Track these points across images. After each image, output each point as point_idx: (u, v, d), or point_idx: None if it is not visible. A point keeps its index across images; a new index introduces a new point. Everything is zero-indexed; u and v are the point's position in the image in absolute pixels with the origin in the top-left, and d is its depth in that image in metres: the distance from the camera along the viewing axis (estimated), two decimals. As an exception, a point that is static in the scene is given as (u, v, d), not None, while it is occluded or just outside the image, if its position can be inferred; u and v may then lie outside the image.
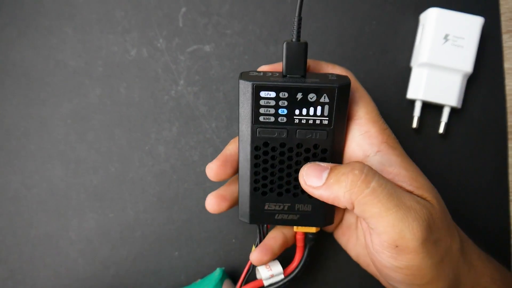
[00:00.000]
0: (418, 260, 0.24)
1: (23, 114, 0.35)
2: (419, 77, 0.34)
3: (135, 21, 0.36)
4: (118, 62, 0.36)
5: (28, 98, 0.35)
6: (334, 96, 0.25)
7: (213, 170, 0.28)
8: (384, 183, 0.24)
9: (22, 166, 0.35)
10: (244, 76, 0.26)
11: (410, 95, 0.35)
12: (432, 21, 0.33)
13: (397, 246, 0.24)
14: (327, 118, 0.26)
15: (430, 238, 0.24)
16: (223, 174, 0.28)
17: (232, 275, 0.35)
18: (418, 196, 0.26)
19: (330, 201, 0.25)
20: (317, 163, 0.26)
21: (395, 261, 0.25)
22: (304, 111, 0.26)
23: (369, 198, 0.24)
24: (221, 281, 0.32)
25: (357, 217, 0.30)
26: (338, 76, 0.27)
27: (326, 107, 0.25)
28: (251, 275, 0.31)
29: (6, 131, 0.35)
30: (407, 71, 0.35)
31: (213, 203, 0.28)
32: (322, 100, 0.25)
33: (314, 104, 0.25)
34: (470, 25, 0.33)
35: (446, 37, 0.33)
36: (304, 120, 0.26)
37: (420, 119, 0.35)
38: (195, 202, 0.35)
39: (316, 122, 0.26)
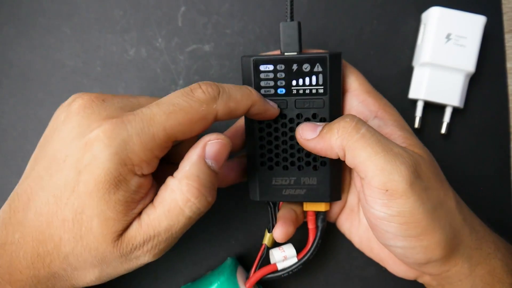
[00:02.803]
0: (409, 204, 0.24)
1: (21, 114, 0.35)
2: (421, 77, 0.34)
3: (134, 21, 0.35)
4: (117, 61, 0.35)
5: (26, 98, 0.35)
6: (327, 65, 0.27)
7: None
8: (374, 131, 0.25)
9: (20, 167, 0.35)
10: (245, 56, 0.29)
11: (412, 95, 0.34)
12: (434, 20, 0.33)
13: (387, 190, 0.24)
14: (322, 87, 0.28)
15: (419, 183, 0.25)
16: (233, 145, 0.28)
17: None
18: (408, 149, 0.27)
19: (323, 152, 0.26)
20: (313, 122, 0.28)
21: (388, 208, 0.25)
22: (301, 81, 0.28)
23: (359, 142, 0.25)
24: (235, 268, 0.32)
25: (359, 197, 0.30)
26: (332, 51, 0.29)
27: (320, 76, 0.28)
28: (264, 261, 0.31)
29: (3, 131, 0.35)
30: (409, 70, 0.35)
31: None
32: (316, 69, 0.27)
33: (309, 74, 0.28)
34: (472, 24, 0.32)
35: (448, 37, 0.33)
36: (302, 90, 0.28)
37: (422, 119, 0.35)
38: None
39: (313, 92, 0.28)
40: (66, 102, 0.26)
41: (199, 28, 0.35)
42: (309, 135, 0.27)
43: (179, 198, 0.24)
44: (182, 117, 0.24)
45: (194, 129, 0.24)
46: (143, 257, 0.25)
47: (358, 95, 0.29)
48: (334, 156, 0.26)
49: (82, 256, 0.24)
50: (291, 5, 0.28)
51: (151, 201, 0.25)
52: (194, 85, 0.25)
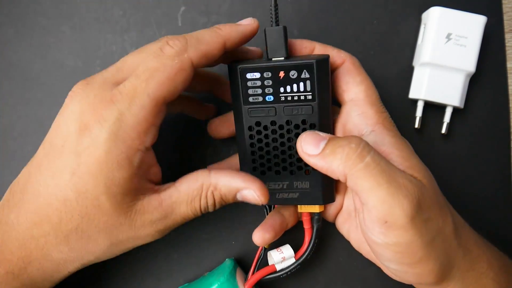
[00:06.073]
0: (407, 237, 0.24)
1: (20, 114, 0.35)
2: (421, 77, 0.34)
3: (133, 20, 0.35)
4: (117, 61, 0.35)
5: (25, 98, 0.35)
6: (314, 71, 0.27)
7: (211, 126, 0.32)
8: (379, 159, 0.25)
9: (19, 167, 0.35)
10: (232, 63, 0.28)
11: (412, 95, 0.34)
12: (434, 20, 0.33)
13: (386, 222, 0.24)
14: (310, 93, 0.27)
15: (420, 216, 0.24)
16: (222, 132, 0.32)
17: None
18: (410, 174, 0.26)
19: (324, 171, 0.26)
20: (316, 132, 0.27)
21: (385, 237, 0.25)
22: (288, 88, 0.27)
23: (362, 172, 0.24)
24: (234, 269, 0.32)
25: (356, 207, 0.31)
26: (319, 55, 0.28)
27: (308, 82, 0.27)
28: (262, 263, 0.31)
29: (2, 131, 0.35)
30: (409, 70, 0.35)
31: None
32: (303, 76, 0.27)
33: (297, 81, 0.27)
34: (473, 24, 0.32)
35: (448, 36, 0.33)
36: (290, 97, 0.28)
37: (422, 119, 0.34)
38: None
39: (301, 98, 0.27)
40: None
41: (199, 28, 0.35)
42: (311, 150, 0.26)
43: (203, 196, 0.26)
44: (160, 78, 0.24)
45: (177, 85, 0.25)
46: (151, 234, 0.26)
47: (359, 106, 0.29)
48: (334, 177, 0.26)
49: (87, 232, 0.24)
50: (276, 10, 0.28)
51: (158, 170, 0.27)
52: (162, 42, 0.25)
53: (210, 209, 0.27)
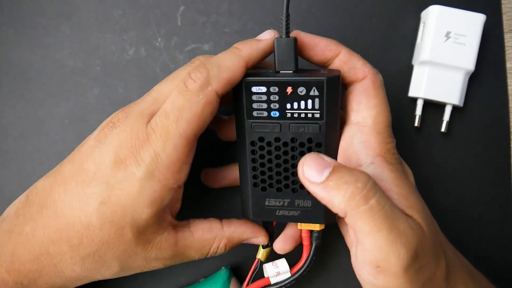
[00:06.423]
0: (397, 284, 0.24)
1: (20, 114, 0.35)
2: (421, 75, 0.34)
3: (133, 20, 0.35)
4: (116, 61, 0.35)
5: (25, 98, 0.35)
6: (324, 89, 0.25)
7: (205, 176, 0.32)
8: (383, 202, 0.23)
9: (19, 167, 0.35)
10: None
11: (411, 93, 0.34)
12: (433, 18, 0.33)
13: (378, 267, 0.24)
14: (319, 112, 0.26)
15: (415, 265, 0.24)
16: (216, 183, 0.32)
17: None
18: (407, 215, 0.25)
19: (323, 202, 0.24)
20: (321, 155, 0.25)
21: (374, 279, 0.24)
22: (296, 105, 0.26)
23: (363, 214, 0.23)
24: (228, 279, 0.32)
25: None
26: (330, 70, 0.27)
27: (317, 100, 0.26)
28: (258, 274, 0.31)
29: (2, 131, 0.35)
30: (409, 69, 0.35)
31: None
32: (312, 93, 0.26)
33: (305, 98, 0.26)
34: (472, 23, 0.32)
35: (447, 35, 0.33)
36: (296, 114, 0.26)
37: (422, 117, 0.34)
38: (195, 201, 0.35)
39: (308, 116, 0.26)
40: (107, 120, 0.27)
41: (198, 28, 0.35)
42: (313, 177, 0.24)
43: (214, 246, 0.28)
44: (188, 117, 0.24)
45: (205, 119, 0.25)
46: (157, 266, 0.27)
47: (363, 133, 0.27)
48: (333, 211, 0.24)
49: (103, 257, 0.25)
50: (287, 20, 0.26)
51: (179, 204, 0.28)
52: (185, 76, 0.25)
53: (216, 255, 0.29)
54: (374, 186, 0.23)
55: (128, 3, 0.35)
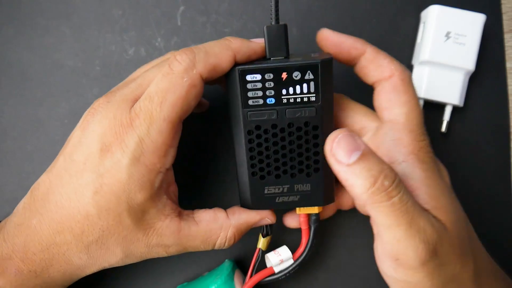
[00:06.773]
0: (417, 278, 0.24)
1: (20, 114, 0.35)
2: (421, 75, 0.34)
3: (133, 20, 0.35)
4: (116, 61, 0.35)
5: (25, 98, 0.35)
6: (318, 72, 0.26)
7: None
8: (406, 199, 0.23)
9: (19, 167, 0.35)
10: None
11: (411, 93, 0.34)
12: (433, 18, 0.33)
13: (397, 259, 0.24)
14: (314, 95, 0.26)
15: (434, 261, 0.24)
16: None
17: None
18: (433, 216, 0.25)
19: (344, 183, 0.23)
20: (354, 135, 0.23)
21: (395, 272, 0.25)
22: (291, 90, 0.26)
23: (385, 208, 0.23)
24: (232, 271, 0.32)
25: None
26: (321, 54, 0.28)
27: (312, 83, 0.26)
28: (260, 265, 0.31)
29: (2, 131, 0.35)
30: (409, 69, 0.35)
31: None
32: (306, 77, 0.26)
33: (300, 82, 0.26)
34: (472, 22, 0.32)
35: (447, 35, 0.33)
36: (292, 99, 0.26)
37: (422, 117, 0.34)
38: (195, 201, 0.35)
39: (304, 100, 0.26)
40: (89, 107, 0.27)
41: (198, 27, 0.35)
42: (340, 156, 0.23)
43: (222, 236, 0.28)
44: (172, 100, 0.25)
45: (189, 102, 0.25)
46: (161, 253, 0.27)
47: (396, 131, 0.26)
48: (350, 194, 0.24)
49: (106, 244, 0.26)
50: (276, 7, 0.27)
51: (175, 188, 0.28)
52: (171, 58, 0.25)
53: (226, 247, 0.28)
54: (399, 185, 0.23)
55: (128, 3, 0.35)
